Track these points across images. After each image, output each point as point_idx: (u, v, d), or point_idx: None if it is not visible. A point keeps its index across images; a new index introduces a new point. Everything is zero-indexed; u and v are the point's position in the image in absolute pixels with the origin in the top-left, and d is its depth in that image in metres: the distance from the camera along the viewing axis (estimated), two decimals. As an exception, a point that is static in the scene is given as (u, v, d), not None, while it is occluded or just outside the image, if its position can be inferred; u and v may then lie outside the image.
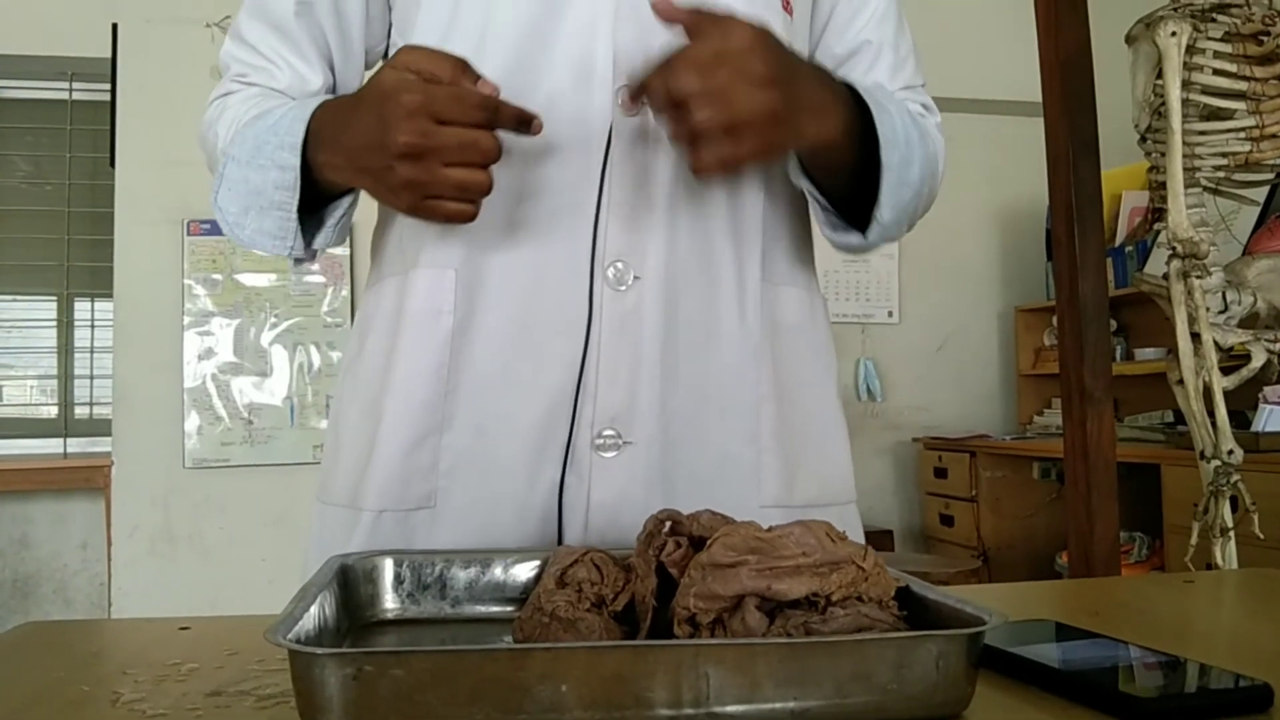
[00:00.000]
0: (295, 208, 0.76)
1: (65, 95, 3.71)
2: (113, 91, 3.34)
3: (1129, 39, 2.02)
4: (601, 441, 0.80)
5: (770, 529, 0.55)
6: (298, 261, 0.82)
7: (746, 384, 0.84)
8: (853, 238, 0.85)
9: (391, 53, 0.91)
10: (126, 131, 3.33)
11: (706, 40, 0.67)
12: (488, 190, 0.69)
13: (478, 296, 0.80)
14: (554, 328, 0.79)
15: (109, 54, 3.34)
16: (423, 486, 0.81)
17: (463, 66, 0.69)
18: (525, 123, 0.71)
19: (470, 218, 0.70)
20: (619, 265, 0.79)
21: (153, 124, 3.32)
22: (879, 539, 3.79)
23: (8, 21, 3.47)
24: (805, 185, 0.85)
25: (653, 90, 0.68)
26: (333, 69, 0.90)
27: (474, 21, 0.81)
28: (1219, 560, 1.93)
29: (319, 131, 0.74)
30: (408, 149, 0.66)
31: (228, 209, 0.79)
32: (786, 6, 0.87)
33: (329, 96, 0.77)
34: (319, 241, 0.82)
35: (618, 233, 0.79)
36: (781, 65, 0.68)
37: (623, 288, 0.79)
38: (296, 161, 0.74)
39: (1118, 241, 3.59)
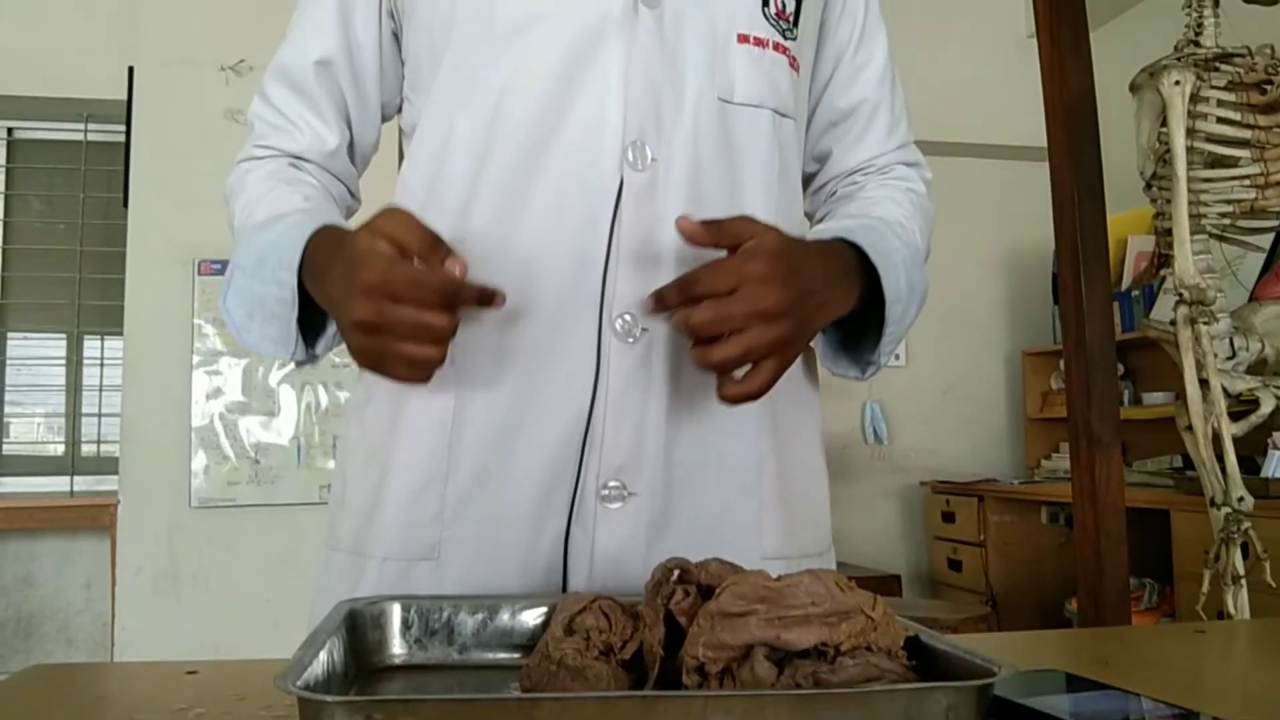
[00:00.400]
0: (294, 320, 0.78)
1: (81, 136, 3.76)
2: (127, 133, 3.38)
3: (1133, 87, 2.04)
4: (607, 492, 0.80)
5: (779, 578, 0.55)
6: (299, 363, 0.83)
7: (749, 436, 0.85)
8: (851, 372, 0.90)
9: (409, 110, 0.94)
10: (140, 172, 3.37)
11: (722, 272, 0.72)
12: (439, 364, 0.71)
13: (482, 349, 0.81)
14: (562, 378, 0.80)
15: (125, 96, 3.39)
16: (427, 536, 0.81)
17: (434, 242, 0.71)
18: (488, 300, 0.73)
19: (423, 382, 0.72)
20: (627, 318, 0.80)
21: (166, 165, 3.36)
22: (886, 583, 3.76)
23: (27, 64, 3.53)
24: None
25: (674, 317, 0.73)
26: (350, 124, 0.94)
27: (493, 86, 0.82)
28: (1231, 609, 1.91)
29: (312, 259, 0.76)
30: (361, 324, 0.68)
31: (234, 313, 0.82)
32: (794, 65, 0.89)
33: (327, 221, 0.78)
34: (320, 347, 0.84)
35: (626, 285, 0.80)
36: (796, 284, 0.73)
37: (631, 340, 0.80)
38: (293, 281, 0.76)
39: (1124, 285, 3.60)
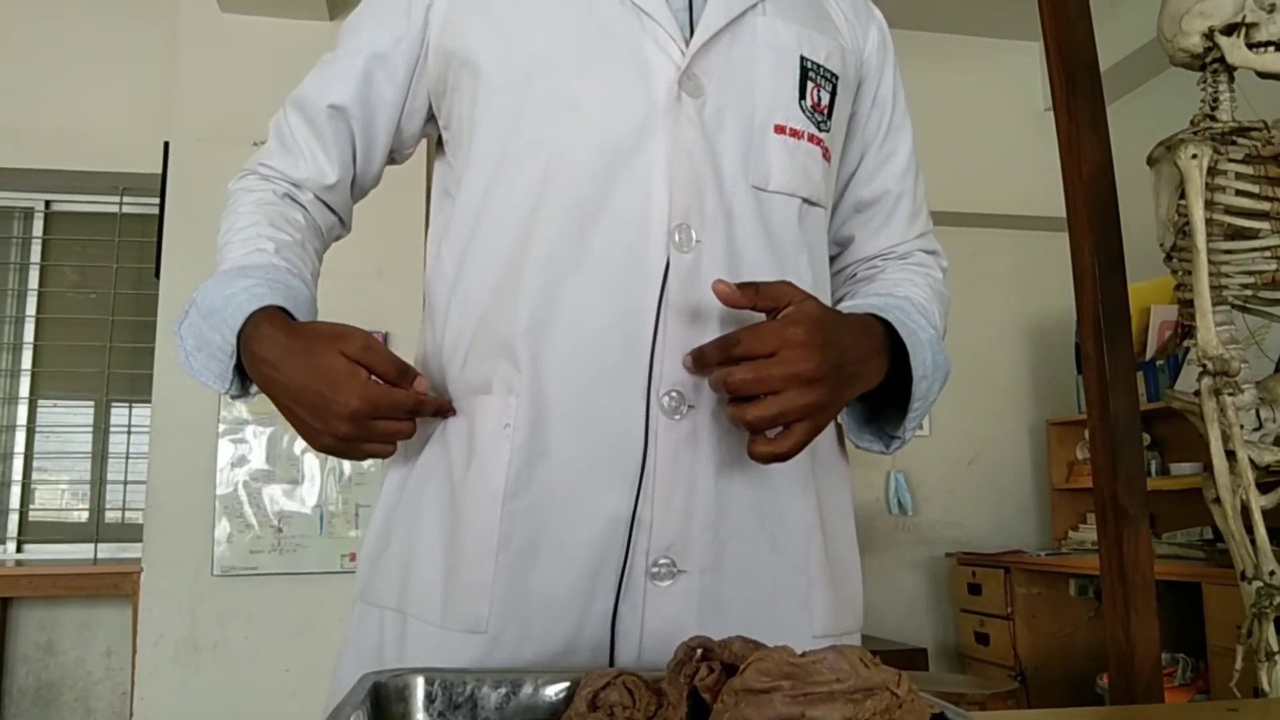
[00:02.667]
0: (231, 367, 0.83)
1: (115, 208, 3.85)
2: (161, 205, 3.46)
3: (1150, 161, 2.05)
4: (657, 570, 0.80)
5: (804, 654, 0.55)
6: (234, 398, 0.88)
7: (796, 512, 0.86)
8: (875, 446, 0.92)
9: (445, 170, 0.97)
10: (172, 243, 3.44)
11: (763, 334, 0.75)
12: (391, 454, 0.83)
13: (539, 422, 0.82)
14: (611, 455, 0.81)
15: (160, 170, 3.47)
16: (477, 608, 0.81)
17: (403, 369, 0.81)
18: (443, 412, 0.86)
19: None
20: (674, 394, 0.81)
21: (198, 237, 3.39)
22: (912, 657, 3.69)
23: (66, 139, 3.64)
24: None
25: (713, 377, 0.77)
26: (354, 164, 0.98)
27: (539, 164, 0.85)
28: (1265, 686, 1.87)
29: (253, 343, 0.81)
30: (347, 437, 0.79)
31: (186, 339, 0.86)
32: (826, 155, 0.92)
33: (282, 297, 0.84)
34: (253, 389, 0.87)
35: (673, 363, 0.81)
36: (833, 352, 0.76)
37: (678, 417, 0.81)
38: (234, 340, 0.82)
39: (1148, 355, 3.58)
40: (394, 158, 1.02)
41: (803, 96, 0.89)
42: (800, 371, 0.74)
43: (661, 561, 0.80)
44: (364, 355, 0.79)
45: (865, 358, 0.81)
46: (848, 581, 0.91)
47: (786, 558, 0.85)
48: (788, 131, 0.88)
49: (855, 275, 1.02)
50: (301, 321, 0.84)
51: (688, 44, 0.85)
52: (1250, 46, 1.92)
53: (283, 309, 0.83)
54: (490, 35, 0.88)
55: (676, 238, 0.82)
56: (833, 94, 0.92)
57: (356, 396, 0.77)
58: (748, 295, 0.76)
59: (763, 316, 0.78)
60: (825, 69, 0.92)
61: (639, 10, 0.86)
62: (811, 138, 0.90)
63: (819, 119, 0.91)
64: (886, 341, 0.84)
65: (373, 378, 0.79)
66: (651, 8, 0.86)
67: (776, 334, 0.74)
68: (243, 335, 0.82)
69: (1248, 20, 1.91)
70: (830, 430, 0.93)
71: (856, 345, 0.80)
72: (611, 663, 0.80)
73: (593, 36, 0.86)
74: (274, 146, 0.98)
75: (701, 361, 0.78)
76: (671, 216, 0.82)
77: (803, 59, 0.90)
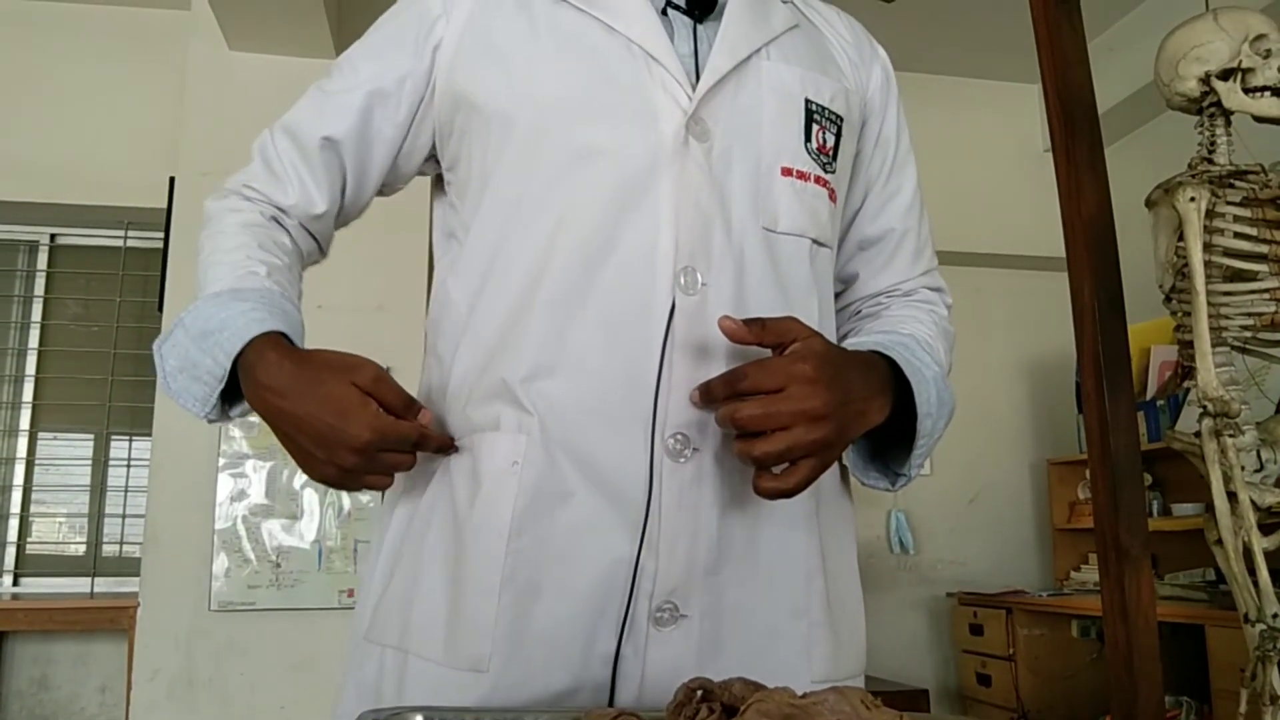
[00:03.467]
0: (218, 391, 0.82)
1: (120, 243, 3.87)
2: (166, 240, 3.48)
3: (1149, 203, 2.07)
4: (660, 615, 0.80)
5: (804, 696, 0.55)
6: (212, 421, 0.86)
7: (798, 555, 0.86)
8: (881, 483, 0.91)
9: (450, 214, 0.96)
10: (176, 278, 3.45)
11: (770, 371, 0.75)
12: (389, 485, 0.83)
13: (547, 461, 0.82)
14: (616, 497, 0.80)
15: (165, 205, 3.49)
16: (478, 646, 0.81)
17: (409, 402, 0.81)
18: (445, 447, 0.85)
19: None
20: (679, 436, 0.81)
21: (202, 271, 3.44)
22: (914, 699, 3.66)
23: (72, 173, 3.66)
24: None
25: (720, 412, 0.76)
26: (343, 196, 0.97)
27: (548, 209, 0.86)
28: (1270, 730, 1.85)
29: (257, 369, 0.80)
30: (353, 468, 0.79)
31: (167, 360, 0.84)
32: (832, 197, 0.93)
33: (282, 323, 0.83)
34: (235, 412, 0.86)
35: (678, 406, 0.81)
36: (840, 389, 0.76)
37: (683, 460, 0.81)
38: (228, 365, 0.80)
39: (1149, 395, 3.58)
40: (384, 191, 1.01)
41: (808, 139, 0.90)
42: (808, 408, 0.74)
43: (665, 606, 0.80)
44: (375, 387, 0.78)
45: (870, 395, 0.81)
46: (850, 625, 0.91)
47: (787, 602, 0.85)
48: (794, 174, 0.89)
49: (860, 312, 1.02)
50: (307, 349, 0.83)
51: (694, 89, 0.86)
52: (1246, 91, 1.94)
53: (284, 335, 0.82)
54: (498, 80, 0.89)
55: (682, 280, 0.83)
56: (838, 135, 0.93)
57: (367, 428, 0.77)
58: (754, 331, 0.77)
59: (769, 353, 0.79)
60: (830, 111, 0.93)
61: (647, 56, 0.87)
62: (818, 179, 0.91)
63: (824, 160, 0.92)
64: (890, 379, 0.85)
65: (379, 410, 0.78)
66: (659, 53, 0.87)
67: (784, 370, 0.75)
68: (241, 361, 0.80)
69: (1244, 65, 1.94)
70: (834, 470, 0.92)
71: (862, 383, 0.80)
72: (612, 704, 0.79)
73: (601, 82, 0.86)
74: (259, 170, 0.96)
75: (709, 396, 0.78)
76: (677, 259, 0.83)
77: (807, 102, 0.91)
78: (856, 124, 0.98)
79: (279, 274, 0.89)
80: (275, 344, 0.81)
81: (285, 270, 0.90)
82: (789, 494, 0.76)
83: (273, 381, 0.79)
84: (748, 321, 0.77)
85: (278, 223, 0.94)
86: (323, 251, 1.02)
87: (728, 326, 0.77)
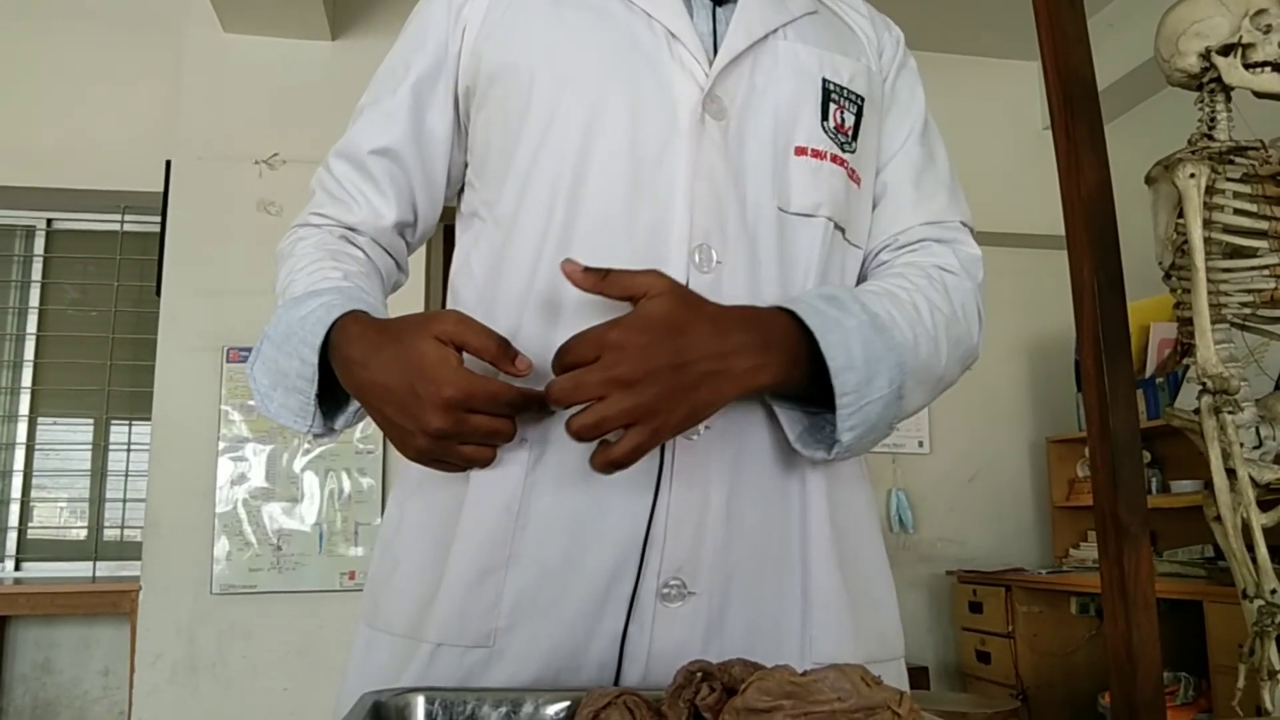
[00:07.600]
0: (313, 396, 0.80)
1: (117, 227, 3.87)
2: (163, 223, 3.47)
3: (1149, 180, 2.06)
4: (668, 591, 0.80)
5: (805, 673, 0.55)
6: (317, 436, 0.84)
7: (806, 537, 0.85)
8: (818, 454, 0.81)
9: (470, 195, 0.95)
10: (174, 261, 3.45)
11: (586, 340, 0.71)
12: (490, 461, 0.78)
13: (556, 439, 0.81)
14: (625, 475, 0.78)
15: (161, 188, 3.49)
16: (483, 624, 0.80)
17: (504, 346, 0.75)
18: (543, 407, 0.76)
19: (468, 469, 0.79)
20: None
21: (199, 255, 3.44)
22: (914, 676, 3.65)
23: (69, 158, 3.65)
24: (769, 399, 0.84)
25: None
26: (414, 206, 0.96)
27: (564, 185, 0.85)
28: (1268, 704, 1.86)
29: (341, 346, 0.78)
30: (439, 433, 0.73)
31: (260, 380, 0.83)
32: (854, 177, 0.91)
33: (361, 304, 0.80)
34: (339, 423, 0.85)
35: None
36: (666, 351, 0.70)
37: (694, 438, 0.81)
38: (315, 359, 0.78)
39: (1148, 373, 3.58)
40: (449, 192, 0.98)
41: (825, 118, 0.89)
42: (617, 375, 0.69)
43: (672, 582, 0.80)
44: (458, 332, 0.73)
45: (734, 353, 0.73)
46: (873, 607, 0.88)
47: (788, 582, 0.84)
48: (809, 153, 0.88)
49: (865, 279, 0.96)
50: (393, 318, 0.79)
51: (710, 66, 0.86)
52: (1247, 67, 1.93)
53: (365, 313, 0.80)
54: (520, 53, 0.88)
55: (697, 258, 0.82)
56: (858, 115, 0.92)
57: (449, 384, 0.71)
58: (591, 280, 0.73)
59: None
60: (849, 90, 0.92)
61: (667, 32, 0.87)
62: (835, 158, 0.89)
63: (843, 140, 0.90)
64: (796, 334, 0.77)
65: (461, 365, 0.73)
66: (679, 30, 0.86)
67: (598, 338, 0.70)
68: (328, 346, 0.78)
69: (1244, 41, 1.93)
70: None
71: (713, 342, 0.73)
72: (617, 683, 0.79)
73: (621, 56, 0.86)
74: (322, 198, 0.95)
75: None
76: (692, 237, 0.82)
77: (825, 81, 0.90)
78: (879, 104, 0.97)
79: (357, 277, 0.87)
80: (356, 319, 0.78)
81: (362, 276, 0.89)
82: (619, 465, 0.71)
83: (355, 353, 0.76)
84: (589, 269, 0.73)
85: (349, 240, 0.93)
86: (402, 270, 1.00)
87: (569, 269, 0.73)
